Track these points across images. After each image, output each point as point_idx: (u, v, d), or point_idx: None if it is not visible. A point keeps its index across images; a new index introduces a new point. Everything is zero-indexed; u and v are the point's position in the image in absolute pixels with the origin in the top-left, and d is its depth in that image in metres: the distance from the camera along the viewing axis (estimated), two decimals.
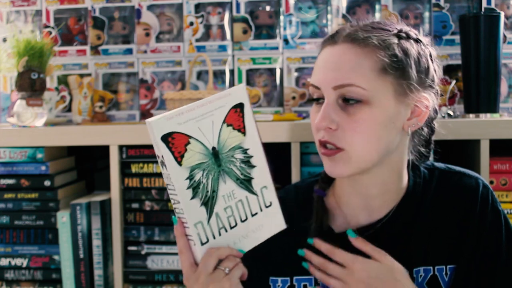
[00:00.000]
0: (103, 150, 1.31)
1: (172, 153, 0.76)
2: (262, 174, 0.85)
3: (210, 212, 0.80)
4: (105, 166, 1.33)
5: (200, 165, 0.79)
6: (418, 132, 0.93)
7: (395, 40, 0.85)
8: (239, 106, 0.82)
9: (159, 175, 1.29)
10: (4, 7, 1.67)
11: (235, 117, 0.82)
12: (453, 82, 1.48)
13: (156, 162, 1.28)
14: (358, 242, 0.89)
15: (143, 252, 1.30)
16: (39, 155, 1.30)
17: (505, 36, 1.45)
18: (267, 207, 0.86)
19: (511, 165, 1.20)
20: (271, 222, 0.87)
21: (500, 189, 1.20)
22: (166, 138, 0.76)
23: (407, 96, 0.85)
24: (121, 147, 1.30)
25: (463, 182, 0.94)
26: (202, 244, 0.80)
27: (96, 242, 1.29)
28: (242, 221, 0.84)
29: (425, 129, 0.94)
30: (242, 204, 0.84)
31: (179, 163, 0.77)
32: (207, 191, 0.80)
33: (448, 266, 0.90)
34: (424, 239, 0.91)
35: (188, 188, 0.78)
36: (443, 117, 1.37)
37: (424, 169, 0.97)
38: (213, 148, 0.80)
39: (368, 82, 0.83)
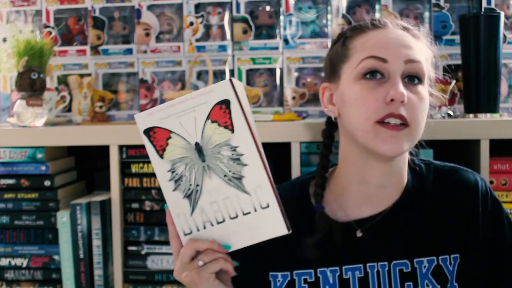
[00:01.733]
0: (103, 150, 1.31)
1: (154, 146, 0.82)
2: (255, 174, 0.81)
3: (193, 205, 0.83)
4: (105, 166, 1.33)
5: (182, 159, 0.82)
6: None
7: (429, 39, 0.95)
8: (224, 103, 0.80)
9: None
10: (4, 7, 1.67)
11: (220, 113, 0.81)
12: (453, 82, 1.48)
13: None
14: None
15: (143, 252, 1.30)
16: (39, 155, 1.30)
17: (505, 36, 1.45)
18: (263, 208, 0.82)
19: (511, 165, 1.20)
20: (270, 224, 0.83)
21: (500, 189, 1.20)
22: (148, 132, 0.82)
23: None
24: (121, 147, 1.29)
25: (462, 175, 0.97)
26: (185, 234, 0.84)
27: (96, 242, 1.29)
28: (232, 218, 0.83)
29: None
30: (231, 201, 0.82)
31: (161, 156, 0.83)
32: (190, 184, 0.82)
33: (452, 256, 0.92)
34: (425, 230, 0.93)
35: (170, 180, 0.83)
36: (443, 117, 1.37)
37: (420, 163, 1.00)
38: (196, 144, 0.82)
39: (425, 66, 0.91)
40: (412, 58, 0.88)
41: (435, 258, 0.91)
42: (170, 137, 0.82)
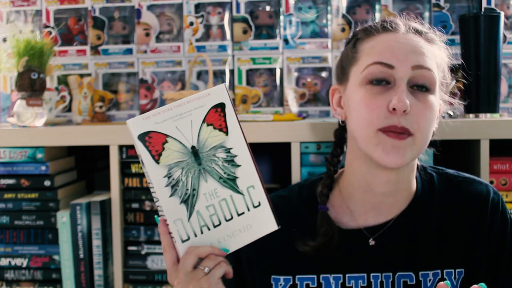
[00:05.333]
0: (103, 150, 1.31)
1: (150, 151, 0.80)
2: (248, 174, 0.84)
3: (190, 210, 0.82)
4: (105, 166, 1.33)
5: (178, 163, 0.81)
6: None
7: (445, 45, 0.92)
8: (220, 106, 0.83)
9: None
10: (4, 7, 1.67)
11: (216, 116, 0.83)
12: (453, 82, 1.48)
13: None
14: None
15: (143, 252, 1.30)
16: (39, 155, 1.30)
17: (505, 36, 1.45)
18: (255, 207, 0.85)
19: (511, 165, 1.20)
20: (261, 222, 0.86)
21: (500, 189, 1.20)
22: (143, 137, 0.79)
23: (440, 96, 0.91)
24: (121, 147, 1.29)
25: (474, 188, 0.94)
26: (183, 241, 0.82)
27: (96, 242, 1.29)
28: (227, 220, 0.84)
29: None
30: (226, 203, 0.84)
31: (157, 162, 0.80)
32: (187, 189, 0.82)
33: (456, 270, 0.90)
34: (431, 242, 0.91)
35: (167, 186, 0.81)
36: (443, 117, 1.37)
37: (432, 172, 0.96)
38: (193, 147, 0.82)
39: (436, 73, 0.87)
40: (421, 64, 0.84)
41: (439, 271, 0.89)
42: (166, 142, 0.80)
